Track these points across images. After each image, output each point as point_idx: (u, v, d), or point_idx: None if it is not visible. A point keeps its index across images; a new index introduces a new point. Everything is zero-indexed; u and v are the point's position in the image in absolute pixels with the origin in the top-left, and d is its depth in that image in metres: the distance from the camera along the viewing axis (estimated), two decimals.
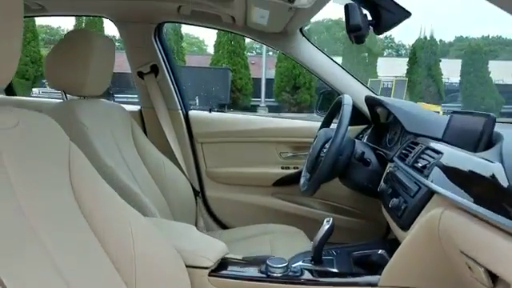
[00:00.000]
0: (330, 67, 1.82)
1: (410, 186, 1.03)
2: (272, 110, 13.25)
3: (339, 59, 13.74)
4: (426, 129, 1.21)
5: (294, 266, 1.12)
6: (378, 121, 1.69)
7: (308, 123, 2.00)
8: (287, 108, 13.00)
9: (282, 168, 1.95)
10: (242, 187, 1.98)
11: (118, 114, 1.58)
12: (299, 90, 12.95)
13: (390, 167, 1.31)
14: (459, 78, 13.92)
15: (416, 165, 1.05)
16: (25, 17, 2.07)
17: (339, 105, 1.47)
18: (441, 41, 19.76)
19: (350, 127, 1.38)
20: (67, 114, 1.32)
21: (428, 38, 13.86)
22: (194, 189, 1.86)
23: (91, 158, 0.89)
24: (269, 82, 13.60)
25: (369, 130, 1.73)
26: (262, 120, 2.05)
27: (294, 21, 1.54)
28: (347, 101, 1.39)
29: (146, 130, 1.95)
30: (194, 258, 1.02)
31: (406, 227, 1.02)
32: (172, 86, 1.95)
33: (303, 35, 1.82)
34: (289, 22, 1.56)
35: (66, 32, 1.76)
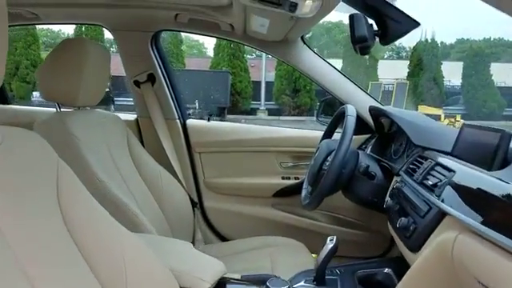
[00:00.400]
0: (331, 75, 1.77)
1: (420, 205, 0.98)
2: (272, 113, 13.20)
3: (339, 62, 13.70)
4: (434, 142, 1.16)
5: (295, 287, 1.07)
6: (382, 130, 1.64)
7: (309, 132, 1.95)
8: (287, 111, 12.96)
9: (283, 178, 1.90)
10: (242, 198, 1.93)
11: (112, 124, 1.53)
12: (299, 92, 12.91)
13: (396, 182, 1.26)
14: (461, 81, 13.85)
15: (426, 182, 0.99)
16: (19, 25, 2.01)
17: (342, 115, 1.42)
18: (442, 43, 19.69)
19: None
20: (58, 125, 1.27)
21: (429, 41, 13.82)
22: (191, 200, 1.81)
23: (83, 172, 0.84)
24: (269, 84, 13.57)
25: (372, 140, 1.67)
26: (261, 129, 1.99)
27: (294, 29, 1.49)
28: (351, 112, 1.34)
29: (142, 140, 1.89)
30: (190, 280, 0.97)
31: (415, 249, 0.97)
32: (169, 95, 1.90)
33: (304, 43, 1.77)
34: (289, 31, 1.51)
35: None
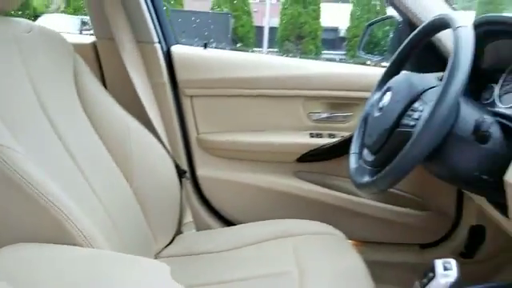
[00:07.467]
0: None
1: None
2: None
3: (349, 6, 12.81)
4: None
5: None
6: (478, 65, 1.03)
7: (353, 68, 1.36)
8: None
9: (312, 136, 1.33)
10: (251, 164, 1.36)
11: (46, 45, 0.94)
12: (304, 39, 12.19)
13: None
14: None
15: None
16: None
17: (432, 31, 0.84)
18: None
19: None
20: None
21: None
22: (177, 166, 1.22)
23: None
24: (272, 31, 12.79)
25: None
26: (281, 62, 1.39)
27: None
28: (464, 24, 0.74)
29: (103, 76, 1.29)
30: None
31: None
32: (146, 12, 1.25)
33: None
34: None
35: None
